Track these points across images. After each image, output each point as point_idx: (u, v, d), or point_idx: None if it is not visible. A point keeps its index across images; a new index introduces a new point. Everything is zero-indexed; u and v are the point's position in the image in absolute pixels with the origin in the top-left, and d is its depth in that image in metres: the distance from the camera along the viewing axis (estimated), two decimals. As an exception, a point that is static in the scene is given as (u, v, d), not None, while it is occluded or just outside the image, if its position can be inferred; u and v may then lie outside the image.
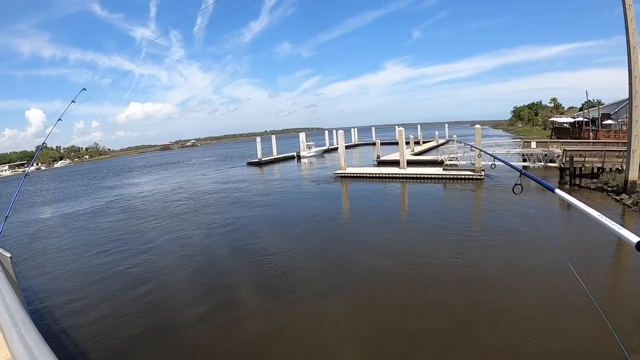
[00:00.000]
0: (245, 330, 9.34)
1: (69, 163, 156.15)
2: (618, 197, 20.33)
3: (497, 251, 13.53)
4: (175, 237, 18.79)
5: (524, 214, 17.60)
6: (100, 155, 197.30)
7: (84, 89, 10.67)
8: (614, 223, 1.44)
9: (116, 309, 11.03)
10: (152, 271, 14.10)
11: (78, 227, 23.39)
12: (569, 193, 18.16)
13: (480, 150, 14.41)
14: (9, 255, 5.36)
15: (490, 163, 29.61)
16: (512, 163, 4.67)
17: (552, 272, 11.04)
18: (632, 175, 20.19)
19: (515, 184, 3.54)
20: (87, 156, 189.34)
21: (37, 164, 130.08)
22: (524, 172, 3.55)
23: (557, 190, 2.25)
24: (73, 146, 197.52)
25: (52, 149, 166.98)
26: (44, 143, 11.08)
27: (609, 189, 22.03)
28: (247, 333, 9.19)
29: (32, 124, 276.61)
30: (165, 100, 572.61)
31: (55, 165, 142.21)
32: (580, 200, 1.88)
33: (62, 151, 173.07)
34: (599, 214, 1.56)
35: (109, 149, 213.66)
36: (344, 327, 9.25)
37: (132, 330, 9.72)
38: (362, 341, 8.60)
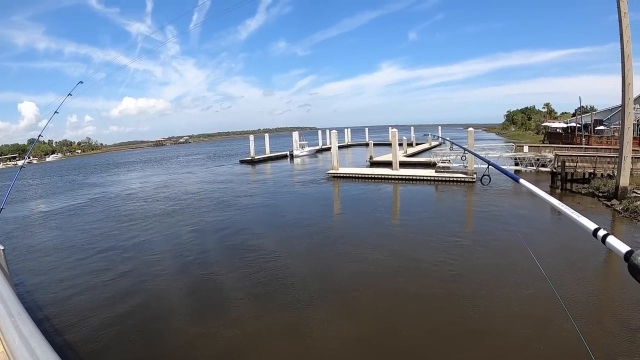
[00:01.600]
0: (221, 339, 9.08)
1: (61, 157, 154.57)
2: (609, 203, 20.35)
3: (483, 260, 13.29)
4: (151, 239, 18.36)
5: (514, 217, 17.54)
6: (93, 150, 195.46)
7: (81, 82, 10.59)
8: (574, 212, 1.47)
9: (91, 310, 10.84)
10: (124, 276, 13.81)
11: (53, 226, 22.72)
12: (560, 198, 18.19)
13: (451, 142, 14.19)
14: (1, 247, 5.19)
15: (481, 165, 29.69)
16: (482, 155, 4.79)
17: (535, 293, 10.81)
18: (623, 182, 20.22)
19: (483, 175, 3.64)
20: (80, 150, 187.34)
21: (30, 158, 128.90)
22: (491, 162, 3.56)
23: (522, 181, 2.35)
24: (65, 140, 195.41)
25: (45, 143, 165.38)
26: (40, 135, 10.93)
27: (600, 194, 22.06)
28: (223, 342, 8.93)
29: (25, 117, 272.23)
30: (159, 96, 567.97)
31: (47, 159, 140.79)
32: (560, 201, 1.82)
33: (54, 145, 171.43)
34: (560, 202, 1.59)
35: (101, 144, 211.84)
36: (323, 339, 8.99)
37: (108, 328, 9.54)
38: (340, 354, 8.41)
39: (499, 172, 3.93)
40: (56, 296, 11.90)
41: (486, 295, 10.45)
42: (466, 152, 6.81)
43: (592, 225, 1.40)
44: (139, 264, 14.56)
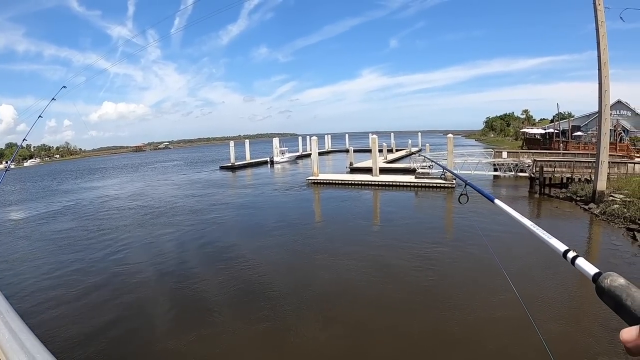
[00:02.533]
0: (196, 354, 8.60)
1: (39, 162, 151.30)
2: (586, 207, 20.48)
3: (458, 269, 12.95)
4: (122, 249, 17.45)
5: (493, 224, 17.31)
6: (72, 155, 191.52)
7: (64, 87, 10.18)
8: (545, 233, 1.56)
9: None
10: (87, 290, 13.11)
11: (21, 235, 21.49)
12: (539, 202, 18.22)
13: (432, 160, 14.14)
14: None
15: (460, 171, 29.73)
16: (457, 173, 4.85)
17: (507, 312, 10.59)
18: (600, 185, 20.40)
19: (461, 194, 3.70)
20: (58, 155, 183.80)
21: (6, 162, 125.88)
22: (468, 182, 3.63)
23: (497, 201, 2.35)
24: (44, 145, 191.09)
25: (22, 147, 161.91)
26: (24, 139, 10.51)
27: (578, 198, 22.21)
28: (198, 357, 8.48)
29: (3, 120, 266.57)
30: (140, 101, 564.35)
31: (25, 164, 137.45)
32: (518, 212, 1.90)
33: (32, 150, 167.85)
34: (532, 224, 1.67)
35: (80, 149, 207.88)
36: (300, 352, 8.60)
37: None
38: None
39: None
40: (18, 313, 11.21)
41: (461, 304, 10.14)
42: (445, 170, 6.78)
43: (562, 247, 1.42)
44: (108, 276, 13.67)
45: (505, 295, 9.70)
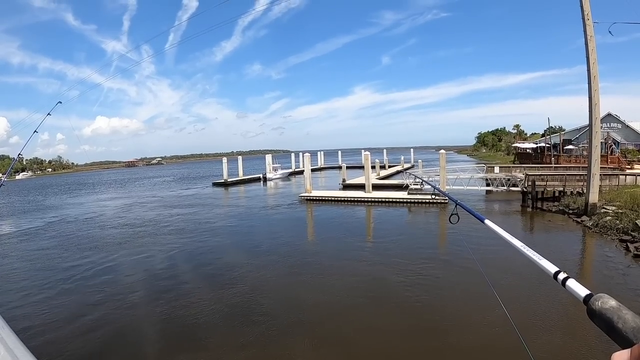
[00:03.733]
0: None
1: (31, 175, 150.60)
2: (579, 219, 20.49)
3: (451, 290, 12.65)
4: (107, 269, 17.03)
5: (486, 239, 17.15)
6: (64, 169, 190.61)
7: (60, 102, 10.22)
8: (536, 254, 1.56)
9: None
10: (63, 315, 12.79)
11: None
12: (531, 216, 18.16)
13: (423, 180, 14.06)
14: None
15: (453, 187, 29.75)
16: (447, 192, 4.90)
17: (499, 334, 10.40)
18: (592, 198, 20.44)
19: (452, 214, 3.68)
20: (50, 169, 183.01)
21: (6, 176, 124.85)
22: (458, 202, 3.58)
23: (487, 221, 2.35)
24: (36, 158, 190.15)
25: (17, 161, 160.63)
26: (20, 154, 10.46)
27: (570, 211, 22.24)
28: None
29: None
30: (133, 116, 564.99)
31: (17, 177, 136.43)
32: (509, 234, 1.92)
33: (24, 163, 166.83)
34: (523, 244, 1.68)
35: (72, 163, 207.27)
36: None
37: None
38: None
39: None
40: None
41: (453, 327, 9.86)
42: (435, 190, 6.78)
43: (553, 268, 1.43)
44: (90, 299, 13.18)
45: (496, 317, 9.46)
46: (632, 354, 0.68)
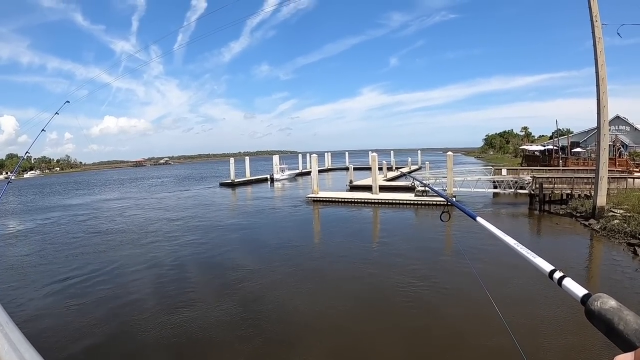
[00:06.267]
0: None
1: (39, 174, 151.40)
2: (586, 222, 20.42)
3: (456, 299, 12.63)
4: (111, 266, 17.08)
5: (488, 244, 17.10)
6: (72, 168, 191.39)
7: (68, 102, 10.30)
8: (530, 252, 1.48)
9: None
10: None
11: None
12: (539, 219, 18.08)
13: (423, 183, 14.13)
14: None
15: (460, 189, 29.73)
16: (441, 191, 4.81)
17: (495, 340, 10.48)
18: (600, 201, 20.36)
19: (442, 212, 3.72)
20: (58, 168, 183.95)
21: (7, 173, 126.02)
22: (450, 200, 3.68)
23: (479, 219, 2.26)
24: (44, 157, 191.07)
25: (24, 159, 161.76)
26: (27, 152, 10.59)
27: (578, 214, 22.18)
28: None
29: (4, 131, 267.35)
30: (141, 116, 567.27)
31: (25, 176, 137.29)
32: (501, 231, 1.83)
33: (32, 161, 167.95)
34: (516, 242, 1.62)
35: (80, 162, 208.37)
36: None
37: None
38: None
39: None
40: None
41: (453, 338, 9.81)
42: (427, 188, 6.90)
43: (548, 267, 1.34)
44: (100, 297, 13.41)
45: (491, 319, 9.35)
46: (636, 357, 0.66)
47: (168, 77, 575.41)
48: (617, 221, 18.48)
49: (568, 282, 1.15)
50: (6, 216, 36.64)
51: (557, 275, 1.26)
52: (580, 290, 1.05)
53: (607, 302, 0.88)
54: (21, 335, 1.46)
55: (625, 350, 0.71)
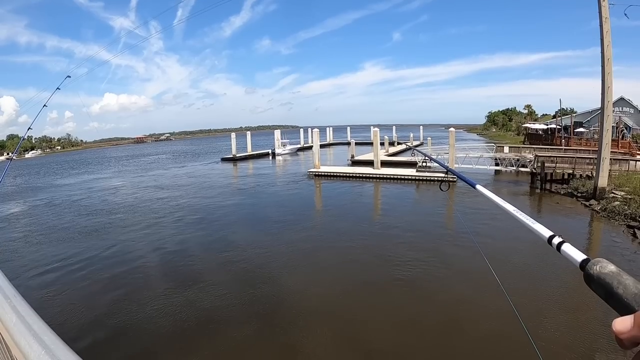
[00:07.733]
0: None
1: (40, 153, 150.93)
2: (587, 203, 20.54)
3: (458, 275, 12.69)
4: (116, 242, 17.47)
5: (491, 219, 17.21)
6: (73, 146, 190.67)
7: (69, 77, 10.19)
8: (529, 218, 1.47)
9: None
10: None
11: None
12: (540, 198, 18.16)
13: (424, 155, 14.23)
14: None
15: (462, 165, 29.74)
16: (441, 161, 4.83)
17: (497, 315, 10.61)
18: (602, 182, 20.42)
19: (442, 182, 3.68)
20: (59, 147, 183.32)
21: (8, 153, 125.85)
22: (449, 169, 3.62)
23: (478, 186, 2.28)
24: (45, 136, 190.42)
25: (25, 139, 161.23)
26: (29, 128, 10.54)
27: (579, 194, 22.25)
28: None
29: (4, 112, 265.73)
30: (141, 93, 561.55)
31: (26, 156, 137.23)
32: (501, 198, 1.82)
33: (33, 141, 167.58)
34: (515, 209, 1.62)
35: (81, 140, 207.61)
36: None
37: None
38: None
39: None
40: None
41: (458, 315, 9.76)
42: (427, 158, 6.80)
43: (547, 233, 1.34)
44: (103, 271, 13.82)
45: (492, 289, 9.25)
46: (636, 320, 0.65)
47: (168, 52, 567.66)
48: (618, 203, 18.57)
49: (567, 247, 1.16)
50: None
51: (556, 240, 1.28)
52: (579, 255, 1.04)
53: (606, 267, 0.88)
54: (29, 308, 1.64)
55: (623, 314, 0.71)
